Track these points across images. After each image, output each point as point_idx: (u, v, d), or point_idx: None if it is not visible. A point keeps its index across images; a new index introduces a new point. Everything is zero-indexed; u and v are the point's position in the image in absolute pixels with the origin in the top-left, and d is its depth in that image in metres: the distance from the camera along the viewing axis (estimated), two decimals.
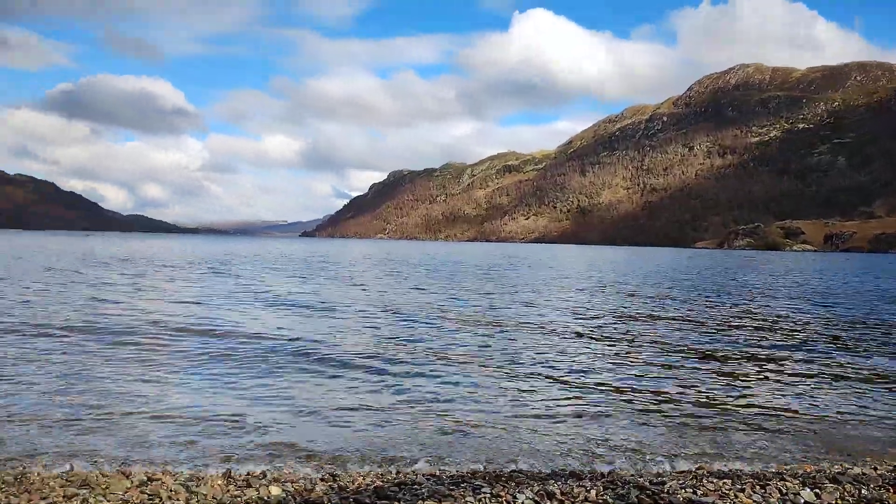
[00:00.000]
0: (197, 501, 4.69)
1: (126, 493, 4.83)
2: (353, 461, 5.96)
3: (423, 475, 5.48)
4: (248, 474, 5.39)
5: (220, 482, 5.10)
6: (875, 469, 5.68)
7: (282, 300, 19.71)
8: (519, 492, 4.89)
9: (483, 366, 10.34)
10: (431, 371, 9.84)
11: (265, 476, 5.35)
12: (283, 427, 6.91)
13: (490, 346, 12.17)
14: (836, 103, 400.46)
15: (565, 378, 9.58)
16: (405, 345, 12.18)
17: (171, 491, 4.88)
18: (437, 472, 5.58)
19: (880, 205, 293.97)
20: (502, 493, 4.84)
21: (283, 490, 4.94)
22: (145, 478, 5.18)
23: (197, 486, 4.97)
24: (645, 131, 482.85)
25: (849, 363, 11.20)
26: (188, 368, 9.63)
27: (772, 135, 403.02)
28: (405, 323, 15.23)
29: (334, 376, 9.41)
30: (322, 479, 5.28)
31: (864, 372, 10.43)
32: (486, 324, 15.40)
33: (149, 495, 4.79)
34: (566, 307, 19.87)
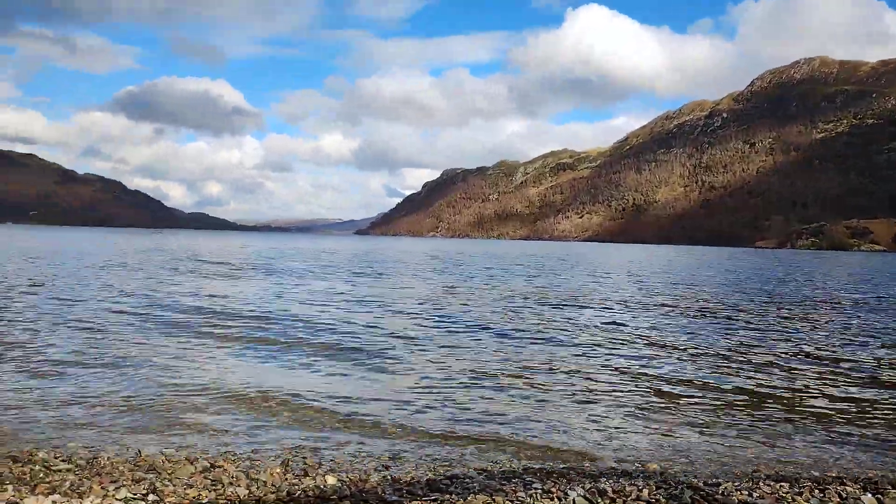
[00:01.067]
0: (257, 488, 4.87)
1: (190, 478, 5.06)
2: (408, 453, 6.08)
3: (475, 469, 5.55)
4: (306, 463, 5.56)
5: (278, 470, 5.29)
6: None
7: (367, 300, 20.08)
8: (570, 489, 4.91)
9: (540, 363, 10.35)
10: (484, 367, 9.91)
11: (321, 465, 5.52)
12: (349, 414, 7.09)
13: (551, 344, 12.15)
14: None
15: (621, 377, 9.50)
16: (466, 345, 12.27)
17: (232, 477, 5.08)
18: (489, 467, 5.64)
19: None
20: (553, 490, 4.87)
21: (339, 480, 5.09)
22: (208, 464, 5.40)
23: (257, 474, 5.17)
24: (704, 128, 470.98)
25: None
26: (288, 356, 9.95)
27: (838, 130, 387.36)
28: (458, 318, 15.34)
29: (399, 372, 9.58)
30: (376, 470, 5.41)
31: None
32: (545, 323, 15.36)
33: (211, 481, 5.00)
34: (624, 307, 19.64)
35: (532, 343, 12.31)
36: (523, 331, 13.82)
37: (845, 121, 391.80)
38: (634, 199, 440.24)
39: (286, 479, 5.10)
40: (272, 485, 4.95)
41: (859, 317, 18.69)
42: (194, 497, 4.70)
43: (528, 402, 8.06)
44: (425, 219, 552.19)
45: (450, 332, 13.53)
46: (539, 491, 4.85)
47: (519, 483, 5.07)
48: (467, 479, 5.16)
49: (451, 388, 8.65)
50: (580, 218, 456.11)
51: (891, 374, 10.23)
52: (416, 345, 11.81)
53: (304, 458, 5.76)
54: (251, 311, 15.68)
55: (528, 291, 24.06)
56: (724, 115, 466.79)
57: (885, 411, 7.92)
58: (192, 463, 5.44)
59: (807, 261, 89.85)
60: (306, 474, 5.22)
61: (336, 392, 8.22)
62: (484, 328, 14.10)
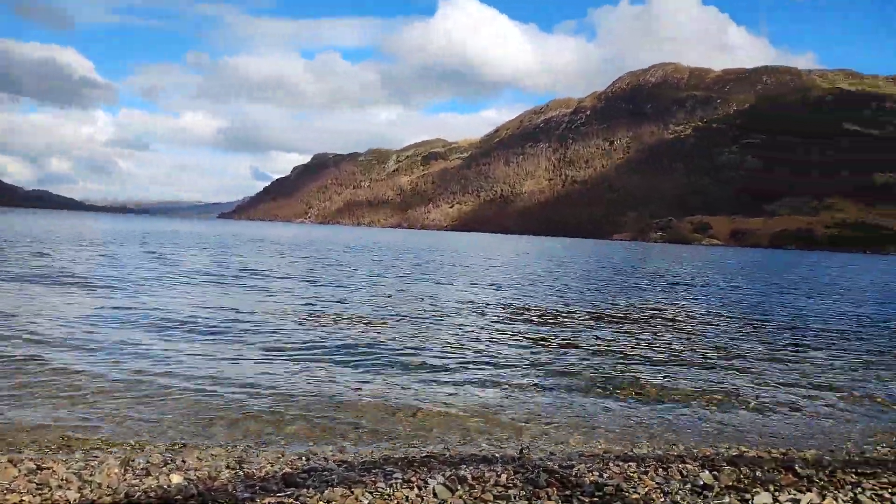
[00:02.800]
0: (91, 491, 4.43)
1: (13, 482, 4.52)
2: (264, 446, 5.80)
3: (335, 461, 5.38)
4: (149, 462, 5.14)
5: (116, 470, 4.84)
6: (769, 452, 5.99)
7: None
8: (431, 477, 4.87)
9: (391, 351, 10.31)
10: (350, 355, 9.73)
11: (167, 464, 5.12)
12: (195, 404, 6.66)
13: (400, 332, 12.14)
14: (747, 105, 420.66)
15: (478, 364, 9.66)
16: (327, 332, 12.00)
17: (62, 479, 4.59)
18: (350, 458, 5.49)
19: (781, 204, 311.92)
20: (414, 479, 4.81)
21: (185, 478, 4.73)
22: (34, 466, 4.85)
23: (91, 475, 4.70)
24: (569, 124, 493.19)
25: (746, 350, 11.80)
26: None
27: (686, 133, 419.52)
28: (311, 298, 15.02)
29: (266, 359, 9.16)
30: (228, 467, 5.10)
31: (764, 360, 11.01)
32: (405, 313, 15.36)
33: (37, 484, 4.49)
34: (478, 297, 20.08)
35: (398, 324, 12.26)
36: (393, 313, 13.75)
37: (693, 124, 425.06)
38: (502, 190, 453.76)
39: (125, 479, 4.68)
40: (108, 486, 4.51)
41: (707, 302, 20.30)
42: (16, 503, 4.20)
43: (395, 387, 7.98)
44: (295, 204, 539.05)
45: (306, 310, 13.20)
46: (399, 481, 4.77)
47: (379, 473, 4.97)
48: (326, 472, 4.98)
49: (314, 376, 8.40)
50: (450, 207, 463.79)
51: (730, 359, 11.13)
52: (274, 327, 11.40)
53: (147, 456, 5.32)
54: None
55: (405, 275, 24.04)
56: (588, 112, 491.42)
57: (717, 393, 8.59)
58: (14, 465, 4.86)
59: (649, 252, 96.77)
60: (148, 473, 4.81)
61: (193, 376, 7.72)
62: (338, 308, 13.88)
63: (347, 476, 4.88)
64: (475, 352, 10.55)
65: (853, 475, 5.08)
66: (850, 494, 4.60)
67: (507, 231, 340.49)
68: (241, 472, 4.94)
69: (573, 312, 16.65)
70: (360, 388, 7.96)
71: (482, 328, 13.05)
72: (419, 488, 4.63)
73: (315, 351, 10.01)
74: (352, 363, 9.33)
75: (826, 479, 4.97)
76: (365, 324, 12.89)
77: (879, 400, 8.60)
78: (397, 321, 13.42)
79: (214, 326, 11.63)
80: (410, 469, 5.12)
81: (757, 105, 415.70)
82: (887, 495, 4.60)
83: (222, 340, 10.46)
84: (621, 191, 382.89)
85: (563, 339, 12.20)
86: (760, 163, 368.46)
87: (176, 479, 4.72)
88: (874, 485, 4.81)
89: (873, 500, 4.53)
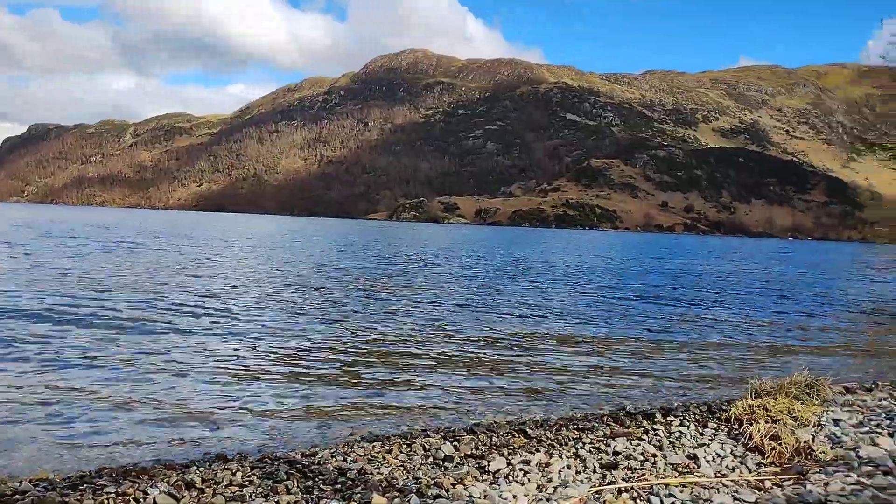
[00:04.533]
0: None
1: None
2: None
3: (31, 481, 4.50)
4: None
5: None
6: (505, 418, 6.31)
7: None
8: (153, 486, 4.27)
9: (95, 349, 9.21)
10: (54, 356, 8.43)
11: None
12: None
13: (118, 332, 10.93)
14: (488, 94, 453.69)
15: (220, 360, 8.99)
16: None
17: None
18: (51, 476, 4.64)
19: (518, 186, 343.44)
20: (131, 491, 4.17)
21: None
22: None
23: None
24: (323, 103, 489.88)
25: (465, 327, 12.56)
26: None
27: (436, 117, 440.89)
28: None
29: None
30: None
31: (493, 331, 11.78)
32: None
33: None
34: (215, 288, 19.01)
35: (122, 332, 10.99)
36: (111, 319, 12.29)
37: (441, 109, 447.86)
38: (256, 169, 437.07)
39: None
40: None
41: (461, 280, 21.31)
42: None
43: (121, 389, 7.04)
44: (6, 181, 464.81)
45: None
46: (113, 495, 4.11)
47: (88, 489, 4.24)
48: (18, 496, 4.13)
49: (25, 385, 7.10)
50: (198, 186, 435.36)
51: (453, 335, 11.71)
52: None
53: None
54: None
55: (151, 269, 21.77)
56: (342, 92, 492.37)
57: (458, 363, 8.95)
58: None
59: (399, 230, 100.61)
60: None
61: None
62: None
63: (45, 497, 4.09)
64: (209, 349, 9.82)
65: (575, 431, 5.52)
66: (573, 450, 4.95)
67: (264, 211, 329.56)
68: None
69: (305, 301, 16.42)
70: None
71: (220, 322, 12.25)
72: (137, 501, 4.03)
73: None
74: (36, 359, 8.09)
75: (553, 437, 5.32)
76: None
77: (605, 370, 9.62)
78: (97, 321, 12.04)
79: None
80: (128, 479, 4.46)
81: (496, 94, 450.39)
82: (602, 446, 5.04)
83: None
84: (376, 171, 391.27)
85: (297, 331, 11.91)
86: (499, 147, 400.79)
87: None
88: (592, 438, 5.25)
89: (591, 452, 4.93)
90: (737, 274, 31.75)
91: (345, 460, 4.76)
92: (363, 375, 8.09)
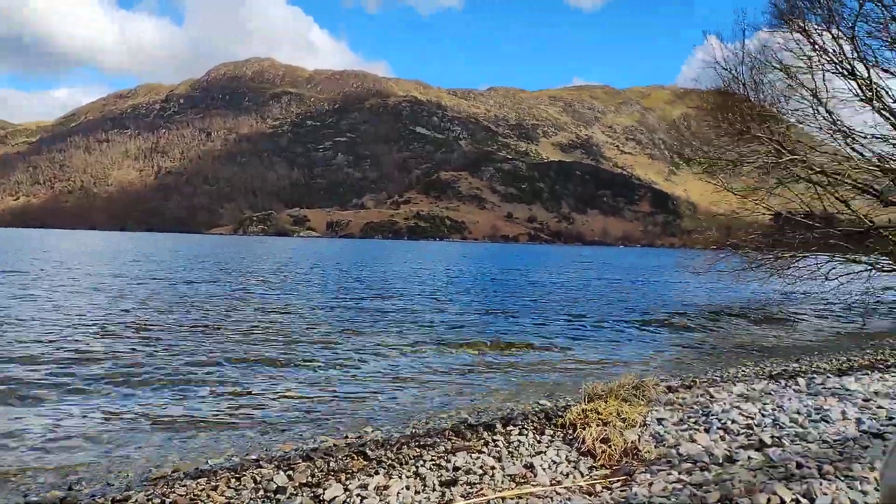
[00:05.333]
0: None
1: None
2: None
3: None
4: None
5: None
6: (345, 438, 6.05)
7: None
8: None
9: None
10: None
11: None
12: None
13: None
14: (337, 105, 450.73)
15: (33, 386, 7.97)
16: None
17: None
18: None
19: (369, 198, 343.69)
20: None
21: None
22: None
23: None
24: (160, 111, 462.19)
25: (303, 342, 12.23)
26: None
27: (284, 128, 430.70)
28: None
29: None
30: None
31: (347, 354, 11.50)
32: None
33: None
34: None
35: None
36: None
37: (289, 119, 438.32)
38: (83, 180, 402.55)
39: None
40: None
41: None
42: None
43: None
44: None
45: None
46: None
47: None
48: None
49: None
50: (15, 200, 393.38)
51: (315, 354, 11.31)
52: None
53: None
54: None
55: None
56: (182, 101, 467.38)
57: (286, 385, 8.58)
58: None
59: (244, 246, 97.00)
60: None
61: None
62: None
63: None
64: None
65: (416, 448, 5.39)
66: (413, 469, 4.81)
67: (94, 226, 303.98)
68: None
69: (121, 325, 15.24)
70: None
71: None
72: None
73: None
74: None
75: (393, 457, 5.15)
76: None
77: (450, 382, 9.62)
78: None
79: None
80: None
81: (345, 106, 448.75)
82: (443, 462, 4.95)
83: None
84: (220, 182, 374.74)
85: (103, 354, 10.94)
86: (350, 159, 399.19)
87: None
88: (433, 455, 5.15)
89: (432, 469, 4.82)
90: (577, 282, 33.62)
91: (163, 502, 4.30)
92: (193, 402, 7.48)
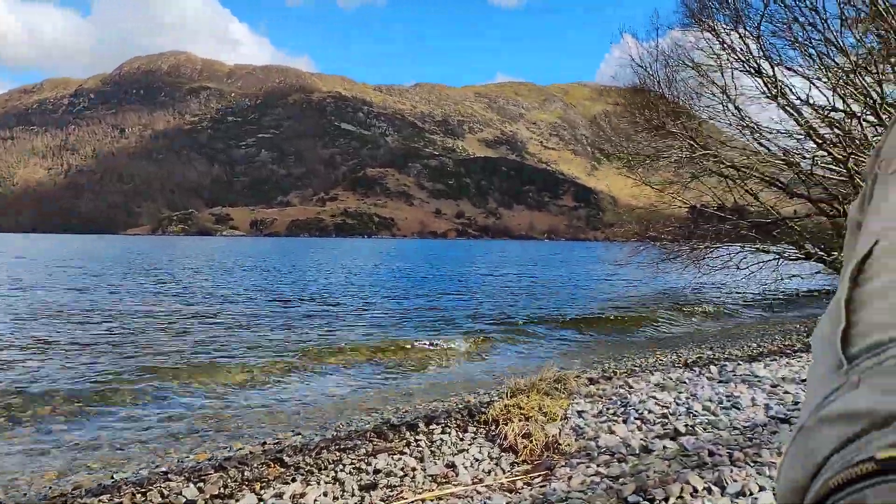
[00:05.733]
0: None
1: None
2: None
3: None
4: None
5: None
6: (263, 445, 5.83)
7: None
8: None
9: None
10: None
11: None
12: None
13: None
14: (259, 101, 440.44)
15: None
16: None
17: None
18: None
19: (295, 196, 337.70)
20: None
21: None
22: None
23: None
24: (69, 107, 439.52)
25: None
26: None
27: (203, 124, 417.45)
28: None
29: None
30: None
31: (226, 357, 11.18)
32: None
33: None
34: None
35: None
36: None
37: (209, 115, 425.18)
38: None
39: None
40: None
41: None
42: None
43: None
44: None
45: None
46: None
47: None
48: None
49: None
50: None
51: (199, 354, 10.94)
52: None
53: None
54: None
55: None
56: (92, 96, 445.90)
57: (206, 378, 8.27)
58: None
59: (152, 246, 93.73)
60: None
61: None
62: None
63: None
64: None
65: (337, 452, 5.24)
66: (332, 474, 4.67)
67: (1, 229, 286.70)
68: None
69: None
70: None
71: None
72: None
73: None
74: None
75: (312, 462, 4.99)
76: None
77: (375, 385, 9.47)
78: None
79: None
80: None
81: (267, 102, 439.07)
82: (364, 465, 4.82)
83: None
84: (136, 181, 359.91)
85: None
86: (274, 156, 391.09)
87: None
88: (354, 458, 5.01)
89: (352, 473, 4.68)
90: (503, 278, 34.02)
91: None
92: (95, 410, 7.07)
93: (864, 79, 11.71)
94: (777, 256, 18.25)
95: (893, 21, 10.41)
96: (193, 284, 25.00)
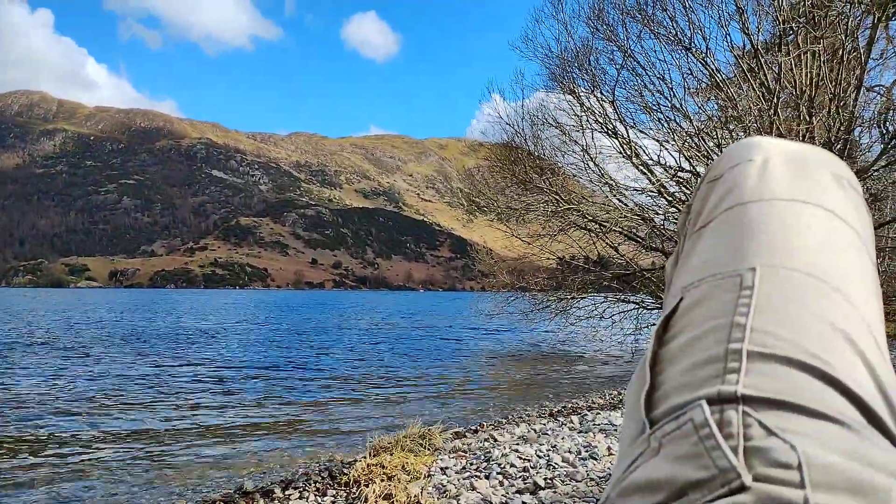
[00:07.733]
0: None
1: None
2: None
3: None
4: None
5: None
6: None
7: None
8: None
9: None
10: None
11: None
12: None
13: None
14: (123, 145, 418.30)
15: None
16: None
17: None
18: None
19: (160, 245, 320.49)
20: None
21: None
22: None
23: None
24: None
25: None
26: None
27: (59, 168, 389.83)
28: None
29: None
30: None
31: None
32: None
33: None
34: None
35: None
36: None
37: (65, 159, 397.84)
38: None
39: None
40: None
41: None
42: None
43: None
44: None
45: None
46: None
47: None
48: None
49: None
50: None
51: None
52: None
53: None
54: None
55: None
56: None
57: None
58: None
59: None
60: None
61: None
62: None
63: None
64: None
65: None
66: None
67: None
68: None
69: None
70: None
71: None
72: None
73: None
74: None
75: None
76: None
77: (225, 449, 8.87)
78: None
79: None
80: None
81: (131, 146, 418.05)
82: None
83: None
84: None
85: None
86: (138, 203, 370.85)
87: None
88: None
89: None
90: (374, 331, 33.64)
91: None
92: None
93: (706, 142, 12.81)
94: (637, 306, 19.27)
95: (730, 91, 11.50)
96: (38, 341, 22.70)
